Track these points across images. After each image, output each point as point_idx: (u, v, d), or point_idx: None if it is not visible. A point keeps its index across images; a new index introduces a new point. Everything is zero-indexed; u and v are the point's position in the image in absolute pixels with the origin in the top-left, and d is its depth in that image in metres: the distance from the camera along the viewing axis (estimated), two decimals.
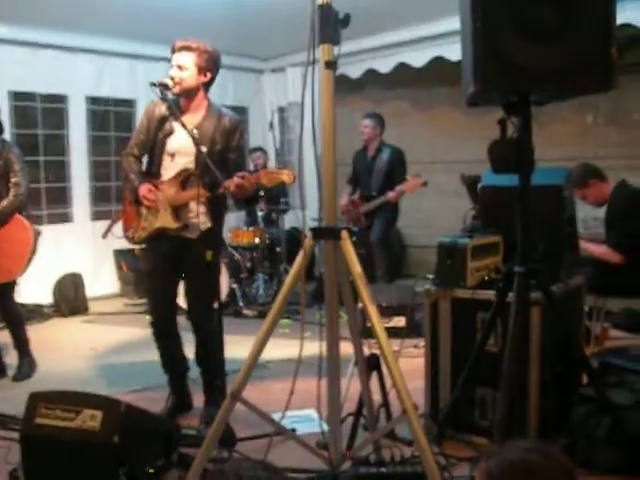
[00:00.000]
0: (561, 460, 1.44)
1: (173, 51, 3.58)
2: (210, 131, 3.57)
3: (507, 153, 2.60)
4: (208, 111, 3.62)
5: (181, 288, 3.85)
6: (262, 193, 6.77)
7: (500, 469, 1.41)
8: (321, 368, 2.55)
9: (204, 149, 3.48)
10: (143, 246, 3.82)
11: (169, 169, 3.62)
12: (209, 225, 3.63)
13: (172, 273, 3.73)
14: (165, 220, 3.61)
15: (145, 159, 3.78)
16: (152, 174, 3.68)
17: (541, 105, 2.77)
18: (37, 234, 4.47)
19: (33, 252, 4.43)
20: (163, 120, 3.61)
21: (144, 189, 3.58)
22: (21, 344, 4.67)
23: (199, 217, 3.58)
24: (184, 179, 3.59)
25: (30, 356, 4.71)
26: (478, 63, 2.43)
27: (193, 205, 3.56)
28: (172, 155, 3.61)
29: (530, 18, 2.41)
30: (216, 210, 3.64)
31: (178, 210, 3.61)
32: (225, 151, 3.60)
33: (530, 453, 1.44)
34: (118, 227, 3.91)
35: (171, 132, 3.59)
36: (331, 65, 2.29)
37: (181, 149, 3.57)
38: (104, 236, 4.05)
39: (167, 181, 3.61)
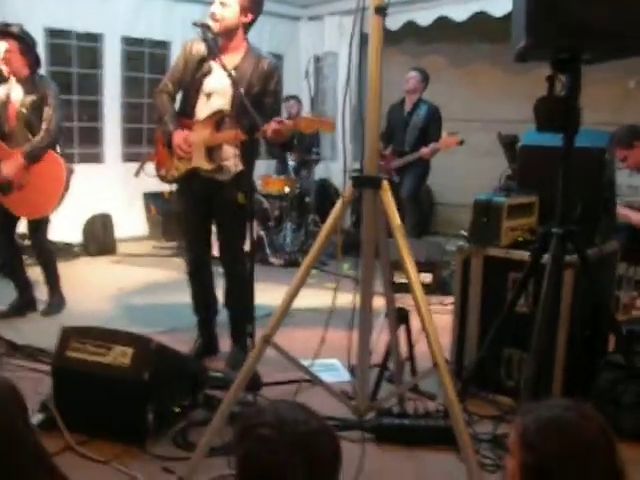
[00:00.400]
0: (598, 420, 1.44)
1: None
2: (248, 73, 3.53)
3: (554, 111, 2.54)
4: (247, 53, 3.58)
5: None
6: (295, 142, 6.74)
7: (536, 425, 1.41)
8: (352, 319, 2.55)
9: (241, 91, 3.43)
10: (175, 187, 3.83)
11: (204, 109, 3.59)
12: (241, 168, 3.60)
13: (205, 213, 3.75)
14: (199, 161, 3.59)
15: (179, 98, 3.76)
16: (186, 113, 3.66)
17: (590, 64, 2.69)
18: (70, 171, 4.48)
19: (65, 189, 4.44)
20: (202, 60, 3.57)
21: (179, 137, 3.56)
22: (51, 280, 4.73)
23: (232, 159, 3.56)
24: (218, 120, 3.56)
25: (60, 292, 4.77)
26: (532, 17, 2.35)
27: (227, 147, 3.56)
28: (208, 95, 3.58)
29: None
30: (248, 153, 3.61)
31: (212, 151, 3.59)
32: (262, 95, 3.56)
33: (567, 411, 1.43)
34: (150, 166, 3.91)
35: (209, 72, 3.56)
36: (381, 10, 2.24)
37: (218, 89, 3.55)
38: (137, 174, 4.05)
39: (201, 121, 3.59)
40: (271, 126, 3.36)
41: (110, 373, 2.80)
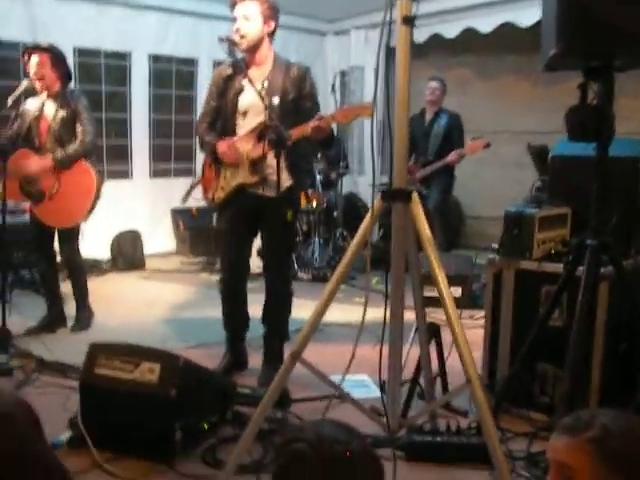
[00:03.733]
0: None
1: (234, 4, 3.51)
2: (280, 81, 3.52)
3: (586, 120, 2.48)
4: (275, 62, 3.58)
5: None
6: (320, 155, 6.72)
7: (620, 428, 1.34)
8: (382, 334, 2.50)
9: (277, 100, 3.45)
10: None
11: (244, 127, 3.58)
12: (289, 183, 3.59)
13: (248, 232, 3.75)
14: (243, 176, 3.58)
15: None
16: (228, 134, 3.64)
17: (623, 71, 2.64)
18: (101, 181, 4.50)
19: (97, 198, 4.46)
20: (229, 79, 3.57)
21: (222, 146, 3.57)
22: (81, 295, 4.73)
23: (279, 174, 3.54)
24: (260, 132, 3.52)
25: (89, 308, 4.78)
26: (563, 23, 2.31)
27: (271, 160, 3.48)
28: (244, 113, 3.57)
29: None
30: (294, 165, 3.59)
31: (256, 165, 3.56)
32: (299, 99, 3.55)
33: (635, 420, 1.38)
34: (197, 191, 3.94)
35: (241, 90, 3.55)
36: (409, 21, 2.21)
37: (252, 106, 3.53)
38: (184, 200, 4.08)
39: (244, 136, 3.57)
40: (310, 125, 3.34)
41: (137, 390, 2.78)
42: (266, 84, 3.48)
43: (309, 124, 3.34)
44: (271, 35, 3.57)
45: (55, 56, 4.40)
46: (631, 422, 1.35)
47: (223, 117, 3.67)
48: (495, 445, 2.15)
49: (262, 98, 3.38)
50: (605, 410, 1.46)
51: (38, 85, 4.37)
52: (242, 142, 3.57)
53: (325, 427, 1.40)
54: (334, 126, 3.69)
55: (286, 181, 3.56)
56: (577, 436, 1.36)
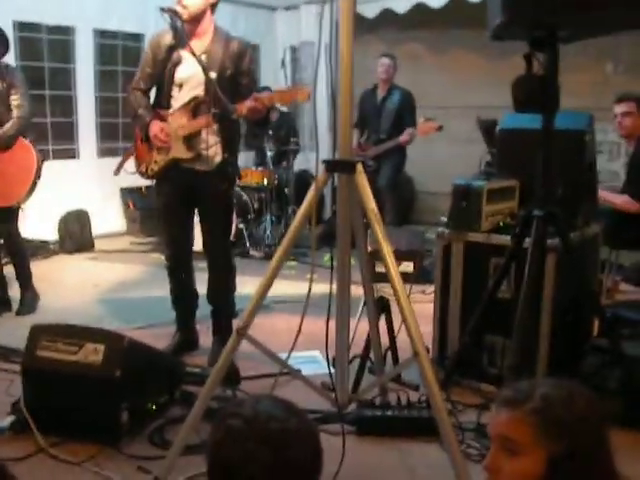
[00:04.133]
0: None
1: None
2: (219, 55, 3.44)
3: (532, 89, 2.47)
4: (215, 35, 3.49)
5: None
6: (271, 132, 6.64)
7: (559, 397, 1.31)
8: (330, 309, 2.47)
9: (214, 75, 3.37)
10: (154, 182, 3.75)
11: (178, 100, 3.51)
12: (223, 157, 3.52)
13: (188, 206, 3.68)
14: (177, 151, 3.51)
15: (154, 91, 3.67)
16: (162, 106, 3.57)
17: (568, 42, 2.63)
18: (41, 159, 4.35)
19: (37, 177, 4.31)
20: (170, 49, 3.48)
21: (155, 128, 3.48)
22: (24, 277, 4.60)
23: (212, 148, 3.48)
24: (194, 107, 3.47)
25: (33, 290, 4.66)
26: None
27: (205, 135, 3.46)
28: (180, 85, 3.49)
29: None
30: (230, 140, 3.54)
31: (190, 140, 3.49)
32: (236, 75, 3.47)
33: (575, 387, 1.36)
34: (130, 164, 3.83)
35: (179, 61, 3.46)
36: None
37: (190, 78, 3.45)
38: (116, 173, 3.96)
39: (177, 110, 3.50)
40: (246, 104, 3.28)
41: (81, 371, 2.70)
42: (204, 57, 3.39)
43: (245, 104, 3.28)
44: (213, 7, 3.48)
45: None
46: (570, 389, 1.34)
47: (159, 86, 3.59)
48: (443, 418, 2.15)
49: (205, 71, 3.31)
50: (544, 379, 1.45)
51: None
52: (176, 116, 3.50)
53: (263, 403, 1.37)
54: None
55: (219, 155, 3.51)
56: (518, 408, 1.33)
